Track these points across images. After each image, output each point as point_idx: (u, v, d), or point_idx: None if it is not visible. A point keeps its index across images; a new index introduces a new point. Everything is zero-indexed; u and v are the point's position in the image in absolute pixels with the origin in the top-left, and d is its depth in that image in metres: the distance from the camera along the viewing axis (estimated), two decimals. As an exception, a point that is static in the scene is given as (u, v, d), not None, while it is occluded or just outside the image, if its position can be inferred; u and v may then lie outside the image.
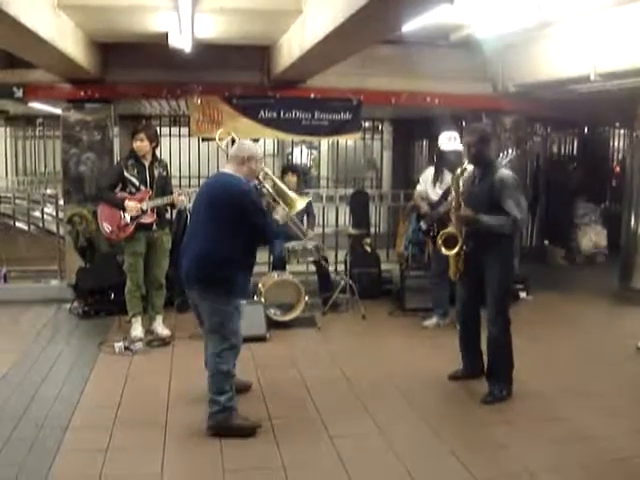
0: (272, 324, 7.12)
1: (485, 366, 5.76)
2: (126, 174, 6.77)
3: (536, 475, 4.36)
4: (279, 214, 5.09)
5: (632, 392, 6.09)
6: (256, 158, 4.99)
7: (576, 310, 8.88)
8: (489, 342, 5.66)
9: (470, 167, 5.65)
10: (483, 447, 4.79)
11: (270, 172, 5.50)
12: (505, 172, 5.53)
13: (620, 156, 13.94)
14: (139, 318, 6.95)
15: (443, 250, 5.65)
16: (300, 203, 5.29)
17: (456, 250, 5.57)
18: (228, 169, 4.97)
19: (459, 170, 5.60)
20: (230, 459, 4.42)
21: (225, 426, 4.78)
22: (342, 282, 8.34)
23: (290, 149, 16.77)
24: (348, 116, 9.02)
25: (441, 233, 5.70)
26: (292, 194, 5.26)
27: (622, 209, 10.04)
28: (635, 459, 4.61)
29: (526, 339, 6.90)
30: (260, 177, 5.17)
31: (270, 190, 5.21)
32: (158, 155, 7.09)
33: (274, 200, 5.18)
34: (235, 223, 4.72)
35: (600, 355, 6.96)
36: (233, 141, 5.90)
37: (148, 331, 7.00)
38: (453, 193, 5.64)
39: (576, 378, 6.26)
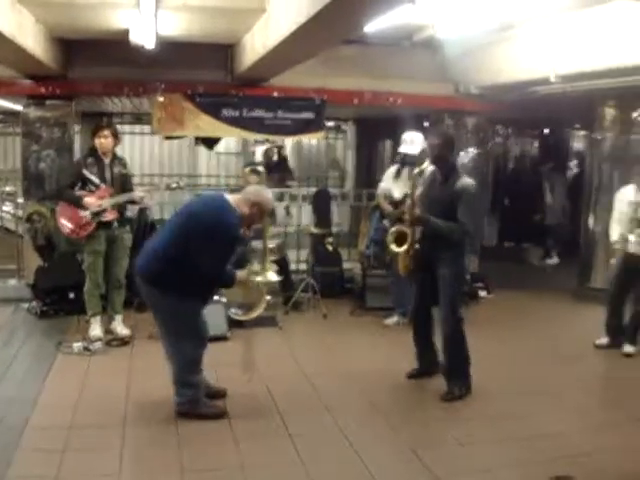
0: (233, 324, 7.10)
1: (443, 365, 5.82)
2: (86, 172, 6.70)
3: (495, 472, 4.41)
4: (243, 275, 5.13)
5: (589, 389, 6.22)
6: (264, 211, 5.02)
7: (535, 308, 9.00)
8: (444, 341, 5.72)
9: (431, 168, 5.72)
10: (443, 445, 4.84)
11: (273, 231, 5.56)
12: (467, 181, 5.60)
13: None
14: (98, 318, 6.88)
15: (392, 247, 5.72)
16: (271, 275, 5.38)
17: (405, 248, 5.64)
18: (233, 198, 4.96)
19: (417, 170, 5.69)
20: (189, 459, 4.39)
21: (192, 414, 4.93)
22: (304, 281, 8.34)
23: (254, 148, 16.71)
24: (311, 115, 9.02)
25: (392, 230, 5.78)
26: (269, 263, 5.35)
27: (581, 209, 10.19)
28: (592, 455, 4.68)
29: (485, 337, 6.99)
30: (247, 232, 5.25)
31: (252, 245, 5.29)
32: (118, 153, 7.02)
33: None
34: (201, 242, 4.71)
35: (558, 353, 7.07)
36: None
37: (107, 331, 6.92)
38: (410, 192, 5.72)
39: (534, 375, 6.35)
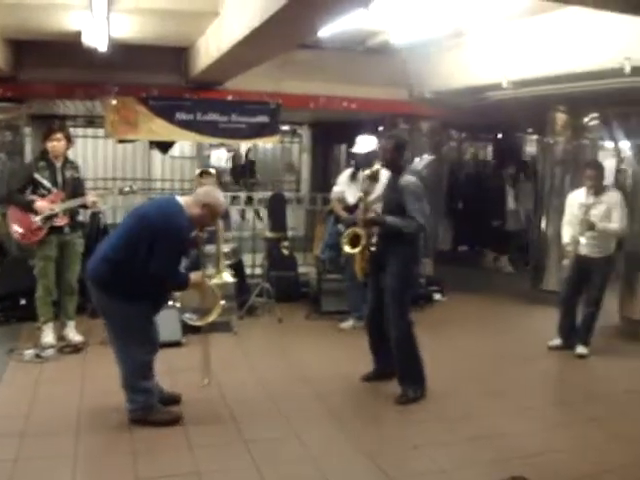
0: (188, 329, 7.04)
1: (395, 368, 5.85)
2: (37, 176, 6.58)
3: (450, 473, 4.46)
4: (196, 277, 5.11)
5: (542, 390, 6.31)
6: (215, 212, 4.99)
7: (489, 311, 9.11)
8: (394, 345, 5.75)
9: (384, 171, 5.78)
10: (397, 447, 4.85)
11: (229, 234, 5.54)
12: (409, 178, 5.66)
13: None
14: (50, 324, 6.75)
15: (346, 249, 5.75)
16: (226, 276, 5.38)
17: (359, 249, 5.68)
18: (184, 200, 4.95)
19: (368, 172, 5.74)
20: (143, 466, 4.35)
21: (145, 420, 4.89)
22: (259, 286, 8.31)
23: (209, 152, 16.64)
24: (266, 119, 9.00)
25: (346, 233, 5.81)
26: (224, 266, 5.34)
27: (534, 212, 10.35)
28: (545, 455, 4.76)
29: (439, 339, 7.06)
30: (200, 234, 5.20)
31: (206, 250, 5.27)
32: (69, 156, 6.93)
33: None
34: (152, 245, 4.68)
35: (512, 354, 7.17)
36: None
37: (60, 337, 6.81)
38: (362, 194, 5.75)
39: (488, 377, 6.42)
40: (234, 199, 9.97)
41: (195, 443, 4.71)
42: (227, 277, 5.50)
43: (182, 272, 5.01)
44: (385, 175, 5.92)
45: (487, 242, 12.70)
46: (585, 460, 4.71)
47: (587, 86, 7.20)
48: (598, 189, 6.98)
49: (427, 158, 8.94)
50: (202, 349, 5.56)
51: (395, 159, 5.68)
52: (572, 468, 4.58)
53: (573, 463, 4.66)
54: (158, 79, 8.71)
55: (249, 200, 10.23)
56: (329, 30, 5.72)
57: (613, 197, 7.02)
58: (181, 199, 4.98)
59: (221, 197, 5.13)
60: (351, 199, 7.50)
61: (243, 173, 15.02)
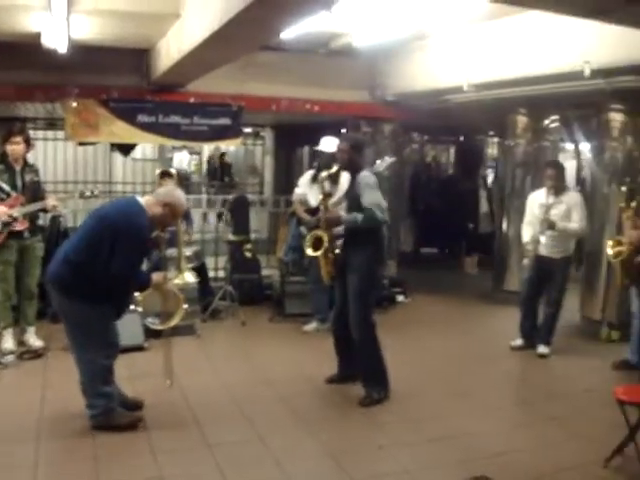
0: (150, 333, 6.99)
1: (359, 370, 5.86)
2: (-5, 179, 6.50)
3: (414, 474, 4.47)
4: (157, 277, 5.09)
5: (504, 390, 6.37)
6: (176, 211, 4.97)
7: (452, 312, 9.17)
8: (357, 347, 5.77)
9: (346, 173, 5.80)
10: (362, 449, 4.86)
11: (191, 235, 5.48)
12: (365, 174, 5.68)
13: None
14: (10, 330, 6.64)
15: (309, 251, 5.75)
16: (188, 277, 5.35)
17: (321, 252, 5.69)
18: (145, 200, 4.92)
19: (326, 173, 5.75)
20: (105, 472, 4.30)
21: (107, 426, 4.84)
22: (222, 289, 8.28)
23: (171, 154, 16.54)
24: (228, 121, 8.96)
25: (309, 235, 5.81)
26: (185, 266, 5.31)
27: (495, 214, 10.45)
28: (507, 454, 4.80)
29: (402, 341, 7.09)
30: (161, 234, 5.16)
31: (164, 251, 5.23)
32: (29, 160, 6.84)
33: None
34: (113, 245, 4.64)
35: (474, 354, 7.23)
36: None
37: (20, 343, 6.71)
38: (321, 196, 5.75)
39: (451, 378, 6.47)
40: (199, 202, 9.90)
41: (158, 448, 4.67)
42: (189, 277, 5.47)
43: (143, 272, 4.97)
44: (346, 177, 5.93)
45: (458, 244, 12.78)
46: (546, 459, 4.77)
47: (547, 89, 7.28)
48: (558, 189, 7.05)
49: (388, 160, 8.97)
50: (164, 352, 5.51)
51: (353, 160, 5.69)
52: (533, 467, 4.63)
53: (534, 462, 4.70)
54: (119, 81, 8.62)
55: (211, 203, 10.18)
56: (292, 32, 5.74)
57: (573, 197, 7.11)
58: (142, 199, 4.95)
59: (182, 197, 5.10)
60: (313, 201, 7.50)
61: (216, 176, 15.03)
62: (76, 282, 4.73)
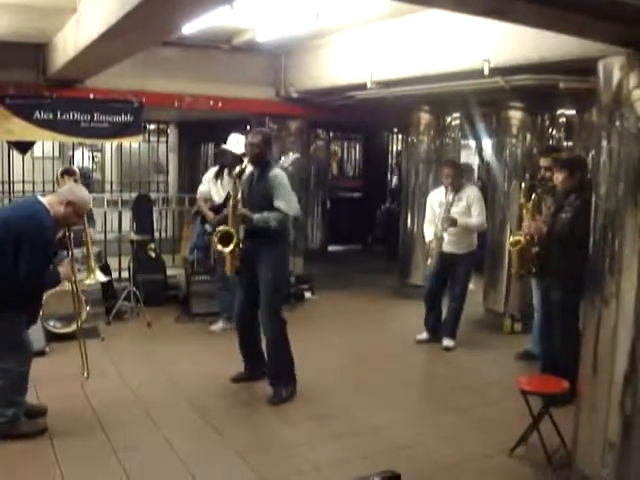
0: (52, 337, 6.78)
1: (267, 368, 5.85)
2: None
3: (322, 470, 4.49)
4: (65, 268, 4.93)
5: (409, 383, 6.46)
6: (79, 210, 4.80)
7: (359, 307, 9.24)
8: (267, 344, 5.77)
9: (250, 167, 5.75)
10: (270, 447, 4.87)
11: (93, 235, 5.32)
12: (277, 171, 5.72)
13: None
14: None
15: (219, 247, 5.71)
16: (99, 276, 5.24)
17: (231, 248, 5.65)
18: (47, 199, 4.76)
19: (237, 169, 5.71)
20: (5, 483, 4.16)
21: (10, 434, 4.69)
22: (126, 289, 8.10)
23: (75, 152, 16.08)
24: (129, 118, 8.76)
25: (217, 230, 5.76)
26: (95, 265, 5.19)
27: (399, 209, 10.58)
28: (414, 447, 4.88)
29: (309, 337, 7.11)
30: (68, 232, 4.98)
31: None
32: None
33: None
34: (17, 249, 4.47)
35: (381, 349, 7.32)
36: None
37: None
38: (232, 192, 5.71)
39: (358, 373, 6.53)
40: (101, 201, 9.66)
41: (62, 456, 4.53)
42: (100, 276, 5.34)
43: (50, 271, 4.80)
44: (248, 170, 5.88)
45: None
46: (452, 450, 4.86)
47: (449, 87, 7.39)
48: (456, 186, 7.18)
49: (293, 156, 8.95)
50: (79, 344, 5.35)
51: (263, 153, 5.69)
52: (440, 458, 4.71)
53: (440, 453, 4.79)
54: (14, 76, 8.30)
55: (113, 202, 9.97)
56: (193, 27, 5.64)
57: (471, 193, 7.24)
58: (44, 199, 4.79)
59: (86, 194, 4.96)
60: (217, 198, 7.43)
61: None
62: None
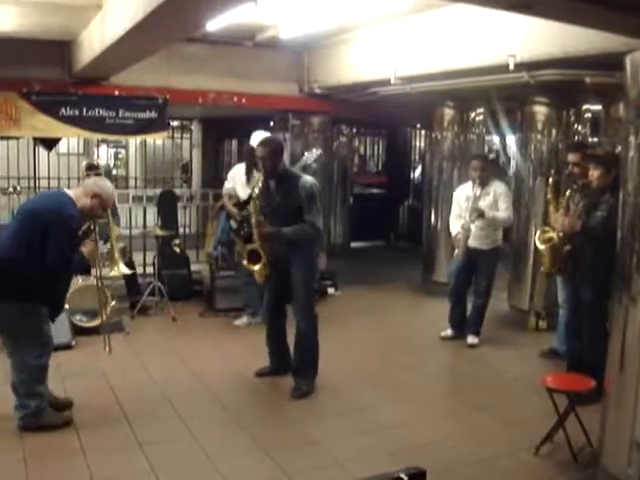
0: (78, 331, 6.84)
1: (293, 362, 5.89)
2: None
3: (345, 466, 4.48)
4: (88, 247, 4.95)
5: (434, 380, 6.45)
6: (105, 202, 4.86)
7: (382, 303, 9.22)
8: (298, 338, 5.79)
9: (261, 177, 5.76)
10: (294, 442, 4.86)
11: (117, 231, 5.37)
12: (308, 179, 5.67)
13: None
14: None
15: (245, 262, 5.79)
16: (123, 268, 5.28)
17: (259, 266, 5.69)
18: (73, 192, 4.83)
19: (253, 184, 5.71)
20: (35, 474, 4.21)
21: (36, 426, 4.74)
22: (151, 285, 8.15)
23: (97, 148, 16.19)
24: (154, 115, 8.79)
25: (245, 249, 5.77)
26: (119, 257, 5.26)
27: (423, 206, 10.54)
28: (439, 444, 4.86)
29: (333, 333, 7.09)
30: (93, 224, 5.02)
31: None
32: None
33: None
34: (45, 238, 4.54)
35: (405, 345, 7.30)
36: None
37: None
38: (252, 210, 5.71)
39: (382, 369, 6.52)
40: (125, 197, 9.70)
41: (88, 448, 4.58)
42: (124, 269, 5.37)
43: (76, 257, 4.83)
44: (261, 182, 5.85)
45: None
46: (477, 447, 4.84)
47: (473, 82, 7.36)
48: (484, 180, 7.15)
49: (316, 152, 8.94)
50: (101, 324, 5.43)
51: (274, 164, 5.61)
52: (465, 455, 4.69)
53: (466, 450, 4.77)
54: (41, 73, 8.36)
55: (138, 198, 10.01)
56: (217, 24, 5.66)
57: (499, 187, 7.21)
58: (69, 191, 4.87)
59: (110, 187, 5.00)
60: (243, 195, 7.44)
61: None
62: (8, 281, 4.59)
